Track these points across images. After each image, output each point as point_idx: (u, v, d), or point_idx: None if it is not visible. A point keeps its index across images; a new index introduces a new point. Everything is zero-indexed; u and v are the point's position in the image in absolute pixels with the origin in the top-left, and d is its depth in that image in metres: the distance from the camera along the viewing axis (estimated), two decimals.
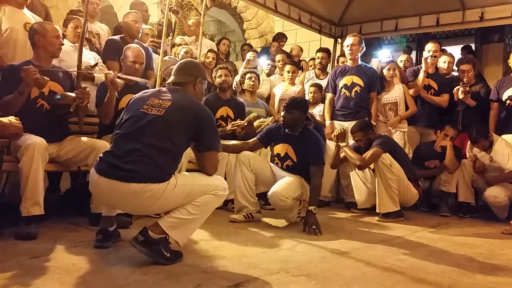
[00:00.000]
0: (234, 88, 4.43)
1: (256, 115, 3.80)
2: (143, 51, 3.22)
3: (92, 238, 2.36)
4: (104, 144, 2.72)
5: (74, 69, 3.23)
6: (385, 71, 4.33)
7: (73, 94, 2.71)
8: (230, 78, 4.07)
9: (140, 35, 3.98)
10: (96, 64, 3.52)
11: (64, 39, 3.53)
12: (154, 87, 3.53)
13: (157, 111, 2.08)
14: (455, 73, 4.98)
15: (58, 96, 2.68)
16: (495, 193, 3.62)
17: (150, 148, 2.01)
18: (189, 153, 3.22)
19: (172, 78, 2.30)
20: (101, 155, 2.10)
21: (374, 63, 5.12)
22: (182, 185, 2.05)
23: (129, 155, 2.00)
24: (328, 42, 6.34)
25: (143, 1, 4.99)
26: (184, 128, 2.10)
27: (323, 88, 4.57)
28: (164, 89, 2.27)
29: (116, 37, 3.87)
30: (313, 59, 5.50)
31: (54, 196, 3.41)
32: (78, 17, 3.73)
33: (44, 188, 2.52)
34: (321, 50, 5.03)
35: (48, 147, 2.50)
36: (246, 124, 3.70)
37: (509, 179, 3.69)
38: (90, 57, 3.59)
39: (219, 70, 3.99)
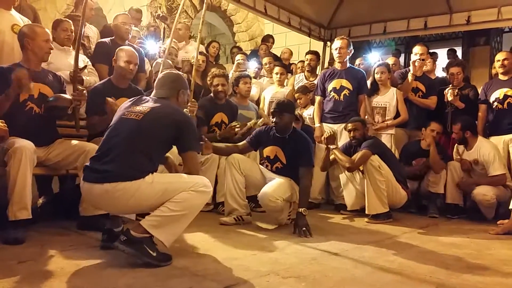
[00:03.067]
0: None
1: (257, 122, 3.80)
2: (136, 53, 3.20)
3: (80, 242, 2.35)
4: (93, 147, 2.69)
5: (62, 72, 3.21)
6: (374, 75, 4.37)
7: (67, 96, 2.69)
8: (227, 86, 4.06)
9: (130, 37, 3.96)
10: (85, 67, 3.49)
11: (53, 42, 3.51)
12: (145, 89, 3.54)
13: (136, 116, 2.18)
14: (440, 75, 5.07)
15: (51, 98, 2.66)
16: (484, 191, 3.66)
17: (124, 148, 2.09)
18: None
19: (154, 92, 2.37)
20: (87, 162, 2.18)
21: (358, 62, 5.17)
22: (158, 183, 2.08)
23: (106, 156, 2.10)
24: (317, 45, 6.39)
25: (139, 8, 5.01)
26: (160, 131, 2.17)
27: (309, 91, 4.60)
28: (148, 98, 2.33)
29: (107, 39, 3.85)
30: (302, 61, 5.55)
31: (43, 200, 3.38)
32: (67, 19, 3.70)
33: (32, 192, 2.49)
34: (310, 52, 5.11)
35: (36, 151, 2.48)
36: (246, 130, 3.71)
37: (491, 184, 3.74)
38: (78, 60, 3.57)
39: (216, 78, 3.94)
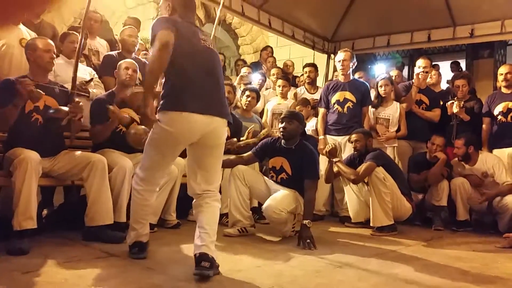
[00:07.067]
0: None
1: (261, 133, 3.80)
2: (135, 62, 3.25)
3: (85, 253, 2.35)
4: (98, 158, 2.72)
5: (69, 84, 3.25)
6: (378, 88, 4.39)
7: (66, 108, 2.73)
8: (233, 95, 4.09)
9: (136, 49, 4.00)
10: (91, 80, 3.54)
11: (60, 55, 3.56)
12: None
13: (210, 44, 2.27)
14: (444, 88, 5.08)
15: (52, 110, 2.70)
16: None
17: (220, 82, 2.26)
18: (183, 167, 3.23)
19: (188, 16, 2.31)
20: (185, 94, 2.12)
21: (357, 76, 5.19)
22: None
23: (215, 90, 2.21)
24: (321, 58, 6.43)
25: (137, 18, 5.07)
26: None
27: (310, 103, 4.62)
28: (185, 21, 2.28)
29: (114, 52, 3.90)
30: (302, 74, 5.61)
31: (47, 210, 3.39)
32: (74, 32, 3.76)
33: (37, 202, 2.51)
34: (308, 65, 5.18)
35: (41, 161, 2.50)
36: (242, 145, 3.71)
37: (506, 192, 3.71)
38: (85, 72, 3.61)
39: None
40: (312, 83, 5.08)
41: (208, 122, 2.12)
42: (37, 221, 2.45)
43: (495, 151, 4.11)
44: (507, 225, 3.69)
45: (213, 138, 2.19)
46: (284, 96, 4.83)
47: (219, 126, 2.18)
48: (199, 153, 2.22)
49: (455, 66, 6.56)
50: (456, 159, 4.06)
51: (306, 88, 5.09)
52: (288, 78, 5.28)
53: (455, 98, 4.35)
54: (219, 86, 2.24)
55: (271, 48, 6.79)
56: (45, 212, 3.35)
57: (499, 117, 4.13)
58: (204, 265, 2.00)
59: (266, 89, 5.50)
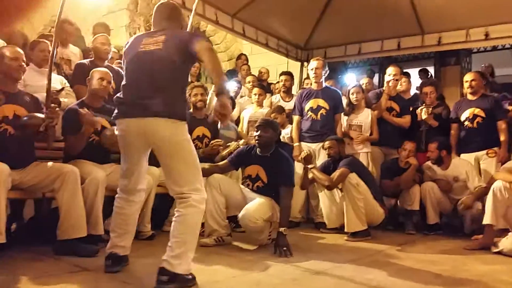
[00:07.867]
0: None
1: (238, 144, 3.79)
2: (110, 73, 3.20)
3: (57, 268, 2.29)
4: (71, 169, 2.67)
5: (39, 93, 3.18)
6: (350, 96, 4.48)
7: (41, 115, 2.67)
8: (206, 96, 4.09)
9: (110, 57, 3.94)
10: (62, 89, 3.47)
11: (30, 63, 3.48)
12: None
13: (156, 46, 2.18)
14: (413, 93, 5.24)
15: (26, 117, 2.64)
16: None
17: (159, 82, 2.14)
18: (158, 176, 3.21)
19: (161, 24, 2.32)
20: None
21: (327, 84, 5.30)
22: (189, 145, 2.17)
23: (140, 90, 2.16)
24: (295, 65, 6.51)
25: (106, 24, 5.03)
26: (181, 49, 2.16)
27: (285, 110, 4.67)
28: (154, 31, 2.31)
29: (86, 60, 3.83)
30: (278, 82, 5.66)
31: (17, 224, 3.29)
32: (44, 40, 3.68)
33: (5, 216, 2.43)
34: (284, 73, 5.22)
35: (10, 173, 2.43)
36: (227, 154, 3.70)
37: (482, 195, 3.77)
38: (56, 81, 3.53)
39: (194, 89, 3.97)
40: (288, 91, 5.15)
41: (139, 124, 2.14)
42: (6, 235, 2.37)
43: (463, 156, 4.26)
44: (469, 227, 3.83)
45: (151, 137, 2.16)
46: (260, 104, 4.87)
47: (153, 125, 2.12)
48: (157, 156, 2.23)
49: (423, 74, 6.77)
50: (429, 162, 4.17)
51: (281, 96, 5.15)
52: (264, 86, 5.32)
53: (424, 104, 4.48)
54: (154, 86, 2.13)
55: (246, 56, 6.85)
56: (14, 226, 3.24)
57: (466, 123, 4.28)
58: (162, 279, 1.98)
59: (241, 96, 5.53)
